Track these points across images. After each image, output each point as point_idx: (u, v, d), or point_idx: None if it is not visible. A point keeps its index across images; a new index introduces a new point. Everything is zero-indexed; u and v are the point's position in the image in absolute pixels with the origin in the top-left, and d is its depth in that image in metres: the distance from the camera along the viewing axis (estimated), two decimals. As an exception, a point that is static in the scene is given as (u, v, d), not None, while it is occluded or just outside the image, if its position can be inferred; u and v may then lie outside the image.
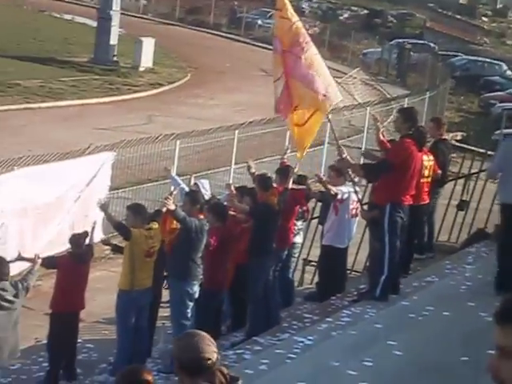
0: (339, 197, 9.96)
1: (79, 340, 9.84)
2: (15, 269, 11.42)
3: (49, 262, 9.80)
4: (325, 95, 8.83)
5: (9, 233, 12.56)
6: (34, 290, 12.83)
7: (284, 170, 10.20)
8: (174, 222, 9.44)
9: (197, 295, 9.27)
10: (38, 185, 13.17)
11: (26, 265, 12.07)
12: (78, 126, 21.86)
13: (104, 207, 9.59)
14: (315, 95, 8.80)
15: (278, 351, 7.78)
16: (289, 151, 10.80)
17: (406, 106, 20.29)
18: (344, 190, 9.99)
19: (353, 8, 55.17)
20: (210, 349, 4.18)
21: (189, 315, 9.16)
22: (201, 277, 9.30)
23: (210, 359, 4.13)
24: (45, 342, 10.27)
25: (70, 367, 9.60)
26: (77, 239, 9.71)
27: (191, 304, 9.21)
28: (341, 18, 53.29)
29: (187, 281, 9.18)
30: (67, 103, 25.56)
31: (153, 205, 11.44)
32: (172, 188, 11.24)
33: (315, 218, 11.28)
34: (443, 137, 11.19)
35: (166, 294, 10.01)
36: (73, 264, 9.53)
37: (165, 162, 15.90)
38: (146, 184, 15.99)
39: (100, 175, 14.27)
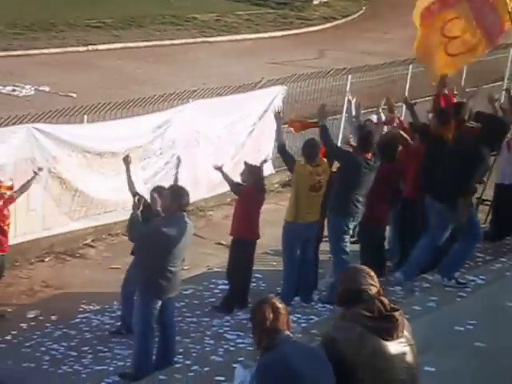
0: None
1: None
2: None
3: (236, 187, 9.94)
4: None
5: (180, 164, 12.87)
6: (206, 219, 13.26)
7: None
8: None
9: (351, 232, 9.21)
10: (212, 117, 13.41)
11: (199, 196, 12.46)
12: (251, 60, 22.02)
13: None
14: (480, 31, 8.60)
15: (447, 289, 7.62)
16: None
17: None
18: None
19: None
20: (367, 281, 4.34)
21: (346, 249, 9.12)
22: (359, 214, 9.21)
23: (365, 291, 4.31)
24: (216, 269, 10.56)
25: (243, 294, 9.80)
26: (258, 170, 9.89)
27: (347, 237, 9.16)
28: None
29: (344, 217, 9.11)
30: (241, 37, 25.77)
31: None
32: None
33: (493, 155, 10.86)
34: None
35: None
36: (254, 193, 9.71)
37: (336, 96, 15.75)
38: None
39: (271, 109, 14.33)
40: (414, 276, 8.77)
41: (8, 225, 9.77)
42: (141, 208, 7.96)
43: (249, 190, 9.73)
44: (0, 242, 9.67)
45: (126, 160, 9.13)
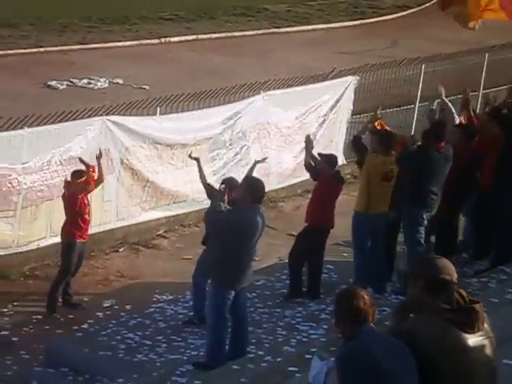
0: None
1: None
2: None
3: (313, 170, 9.91)
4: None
5: (250, 155, 12.92)
6: (277, 210, 13.27)
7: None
8: None
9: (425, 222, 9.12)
10: (282, 108, 13.40)
11: (270, 187, 12.46)
12: (322, 50, 21.92)
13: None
14: None
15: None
16: None
17: None
18: None
19: None
20: (452, 269, 4.26)
21: (421, 240, 9.02)
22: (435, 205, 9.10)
23: (455, 283, 4.22)
24: (287, 260, 10.55)
25: (314, 286, 9.76)
26: (334, 158, 9.87)
27: (422, 229, 9.06)
28: None
29: (419, 208, 9.01)
30: (313, 27, 25.67)
31: (394, 131, 11.25)
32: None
33: None
34: None
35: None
36: (332, 181, 9.69)
37: (409, 86, 15.57)
38: (389, 109, 15.77)
39: (343, 99, 14.27)
40: None
41: (88, 213, 9.97)
42: (223, 198, 7.99)
43: (327, 177, 9.71)
44: (81, 229, 9.88)
45: (195, 158, 9.36)
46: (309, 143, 9.97)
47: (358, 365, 4.05)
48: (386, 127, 10.17)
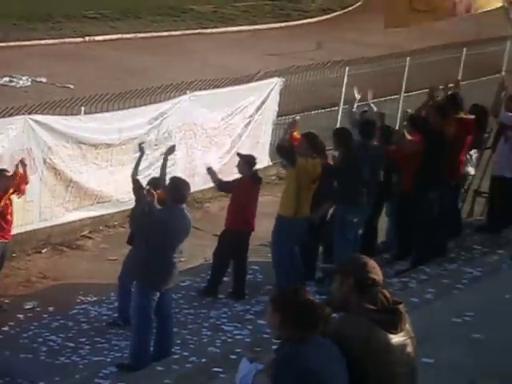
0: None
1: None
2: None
3: (223, 186, 9.98)
4: None
5: (177, 155, 12.88)
6: (203, 211, 13.25)
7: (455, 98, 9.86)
8: None
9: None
10: (208, 109, 13.40)
11: (196, 187, 12.47)
12: (248, 52, 22.00)
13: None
14: None
15: (444, 281, 7.65)
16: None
17: None
18: None
19: None
20: (379, 270, 4.27)
21: (350, 240, 9.15)
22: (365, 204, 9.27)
23: (380, 284, 4.24)
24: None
25: (239, 286, 9.80)
26: (252, 159, 9.91)
27: (351, 229, 9.22)
28: None
29: (349, 207, 9.13)
30: (239, 28, 25.73)
31: (319, 132, 11.36)
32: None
33: (488, 148, 10.87)
34: None
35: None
36: (250, 181, 9.73)
37: (333, 88, 15.74)
38: (314, 111, 15.92)
39: (269, 101, 14.35)
40: None
41: (11, 213, 9.81)
42: (151, 199, 7.92)
43: (242, 184, 9.73)
44: (4, 229, 9.71)
45: (142, 149, 9.29)
46: (212, 175, 10.09)
47: (293, 368, 3.94)
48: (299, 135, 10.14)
